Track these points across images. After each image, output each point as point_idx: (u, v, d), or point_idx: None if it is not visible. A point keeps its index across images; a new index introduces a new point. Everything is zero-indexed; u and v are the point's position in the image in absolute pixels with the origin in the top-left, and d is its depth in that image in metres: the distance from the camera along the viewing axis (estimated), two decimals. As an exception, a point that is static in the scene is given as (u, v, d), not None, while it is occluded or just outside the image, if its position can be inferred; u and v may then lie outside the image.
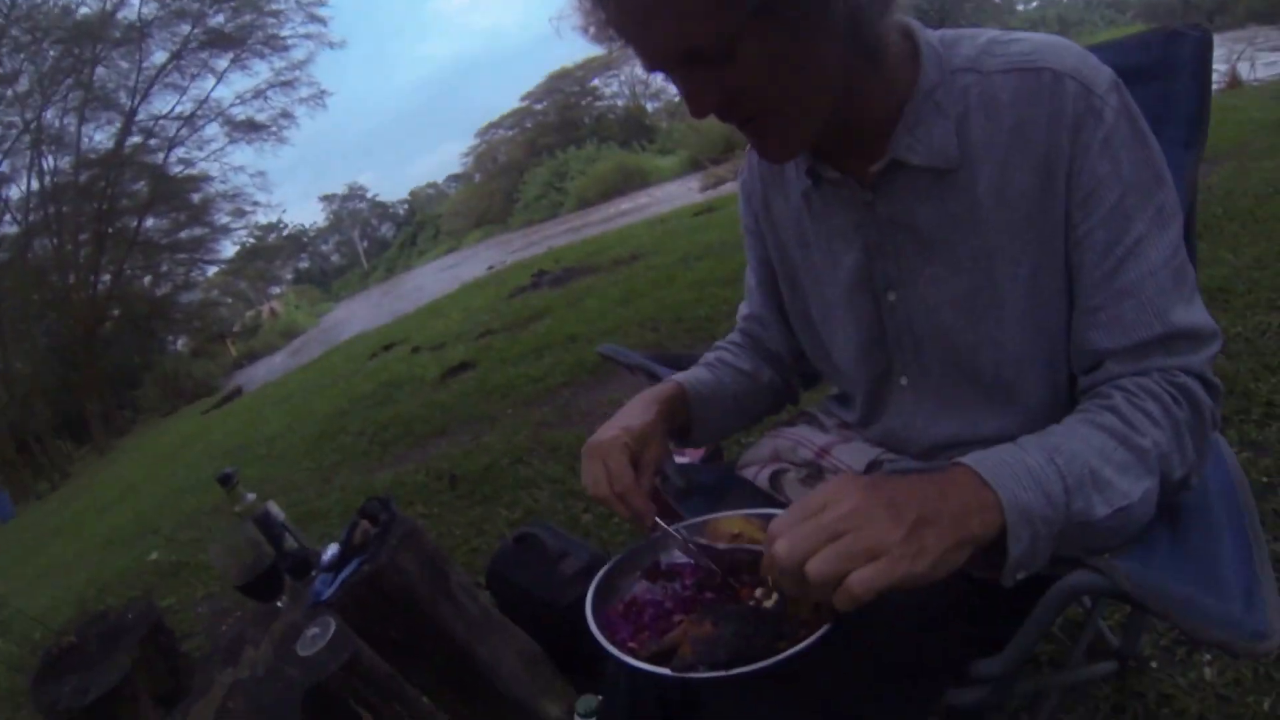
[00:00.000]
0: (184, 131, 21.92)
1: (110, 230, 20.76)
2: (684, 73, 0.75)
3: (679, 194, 18.00)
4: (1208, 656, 1.53)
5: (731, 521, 0.98)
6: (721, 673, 0.74)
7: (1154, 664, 1.54)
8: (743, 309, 1.26)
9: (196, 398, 16.58)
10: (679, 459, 2.22)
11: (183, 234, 24.82)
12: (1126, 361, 0.80)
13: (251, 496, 1.56)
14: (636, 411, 1.04)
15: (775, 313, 1.19)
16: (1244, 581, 0.80)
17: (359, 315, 20.21)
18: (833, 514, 0.65)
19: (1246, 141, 5.10)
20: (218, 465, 6.09)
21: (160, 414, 16.05)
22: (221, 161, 24.24)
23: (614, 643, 0.85)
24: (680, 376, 1.15)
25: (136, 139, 21.13)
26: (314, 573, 1.59)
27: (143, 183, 21.85)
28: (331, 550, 1.60)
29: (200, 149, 22.84)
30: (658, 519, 0.97)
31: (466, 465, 3.69)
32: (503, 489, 3.31)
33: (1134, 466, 0.73)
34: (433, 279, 21.79)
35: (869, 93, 0.83)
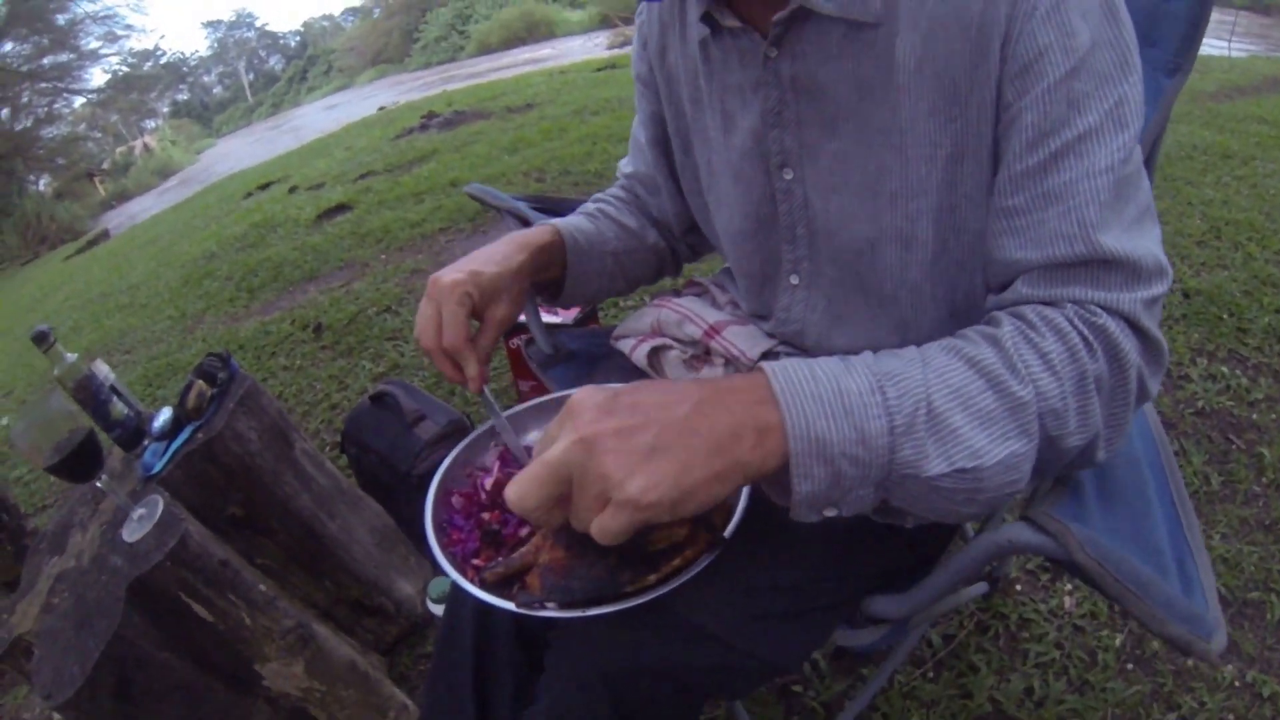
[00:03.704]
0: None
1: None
2: None
3: (584, 49, 17.52)
4: (1069, 585, 1.59)
5: None
6: (573, 613, 0.63)
7: (1019, 586, 1.60)
8: (625, 165, 1.10)
9: (61, 243, 15.29)
10: (546, 318, 2.10)
11: (45, 60, 22.39)
12: (1039, 283, 0.64)
13: (72, 357, 1.34)
14: (498, 254, 0.87)
15: (665, 175, 1.03)
16: (1177, 552, 0.69)
17: (240, 153, 18.88)
18: (556, 450, 0.52)
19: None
20: (78, 317, 5.82)
21: (20, 262, 14.83)
22: (91, -24, 21.73)
23: (455, 558, 0.75)
24: (558, 222, 0.99)
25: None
26: (145, 442, 1.41)
27: (-2, 0, 19.25)
28: (163, 416, 1.41)
29: (66, -40, 20.20)
30: (485, 390, 0.84)
31: (333, 314, 3.49)
32: (369, 340, 3.16)
33: (1001, 420, 0.55)
34: (321, 117, 20.46)
35: None
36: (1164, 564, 0.67)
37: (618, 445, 0.51)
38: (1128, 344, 0.60)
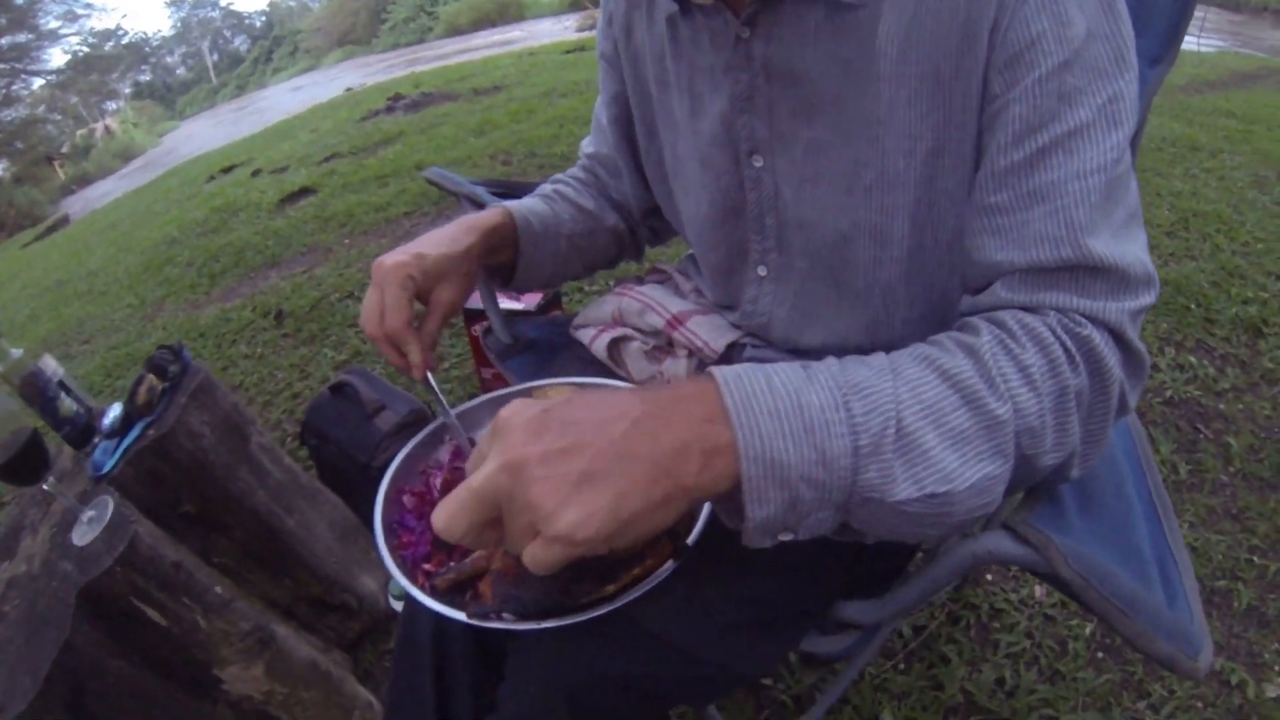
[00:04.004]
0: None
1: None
2: None
3: (553, 31, 17.44)
4: (1038, 575, 1.58)
5: (557, 393, 0.82)
6: (527, 625, 0.60)
7: (989, 576, 1.60)
8: (586, 145, 1.06)
9: (19, 229, 14.97)
10: (507, 304, 2.05)
11: (2, 40, 21.79)
12: (1019, 287, 0.60)
13: (17, 352, 1.26)
14: (445, 237, 0.84)
15: (627, 158, 0.99)
16: (1157, 552, 0.67)
17: (203, 135, 18.56)
18: (481, 476, 0.48)
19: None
20: (36, 305, 5.68)
21: (-22, 250, 14.49)
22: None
23: (405, 562, 0.72)
24: (510, 204, 0.95)
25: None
26: (95, 440, 1.35)
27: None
28: (113, 412, 1.36)
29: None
30: (429, 378, 0.81)
31: (295, 300, 3.42)
32: (331, 327, 3.10)
33: (975, 440, 0.51)
34: (286, 99, 20.13)
35: None
36: (1146, 569, 0.65)
37: (546, 472, 0.46)
38: (1111, 358, 0.56)
